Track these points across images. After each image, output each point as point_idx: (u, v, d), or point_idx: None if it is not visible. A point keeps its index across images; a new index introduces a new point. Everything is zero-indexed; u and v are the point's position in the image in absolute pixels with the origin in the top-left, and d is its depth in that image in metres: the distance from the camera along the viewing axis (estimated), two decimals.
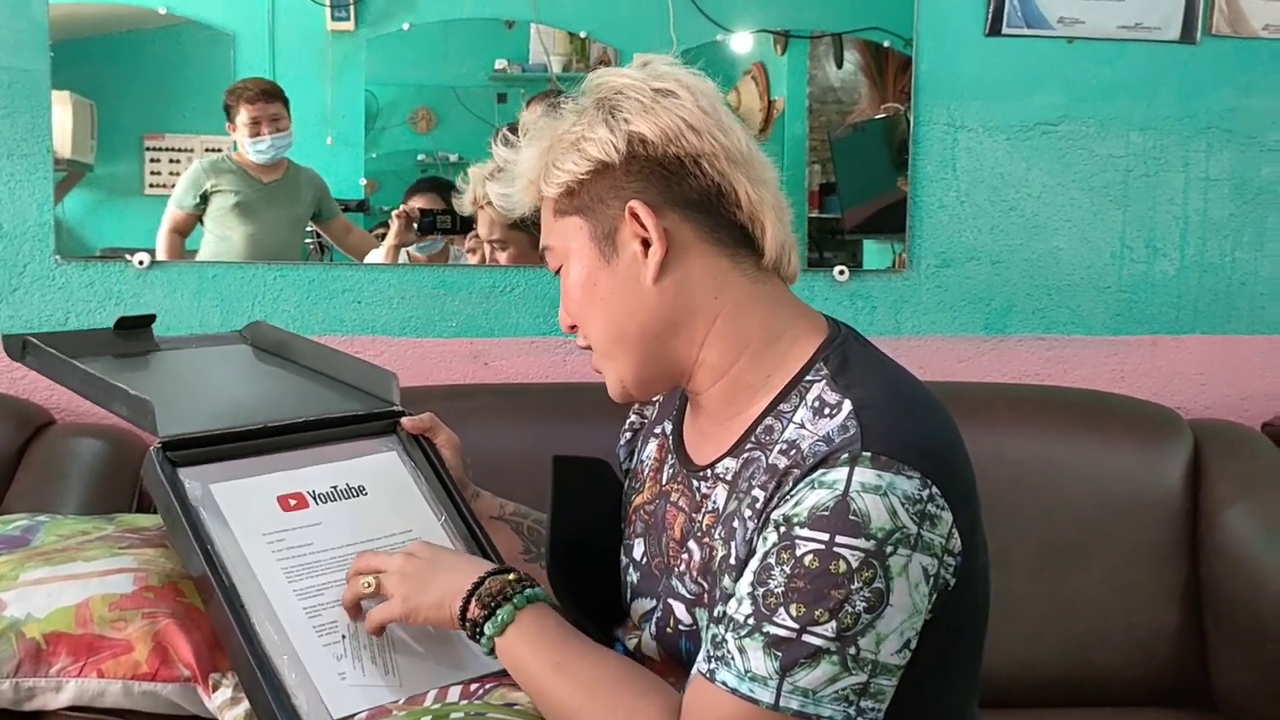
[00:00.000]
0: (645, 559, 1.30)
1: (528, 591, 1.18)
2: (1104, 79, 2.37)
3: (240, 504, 1.29)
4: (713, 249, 1.18)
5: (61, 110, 2.17)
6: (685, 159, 1.16)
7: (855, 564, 1.03)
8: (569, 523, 1.32)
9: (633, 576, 1.31)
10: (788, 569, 1.05)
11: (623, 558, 1.35)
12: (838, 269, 2.35)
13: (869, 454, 1.06)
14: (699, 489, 1.24)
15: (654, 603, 1.26)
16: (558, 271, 1.25)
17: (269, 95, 2.24)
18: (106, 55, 2.23)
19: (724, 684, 1.06)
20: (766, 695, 1.04)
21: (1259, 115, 2.39)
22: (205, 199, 2.27)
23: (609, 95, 1.18)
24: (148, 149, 2.26)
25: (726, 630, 1.08)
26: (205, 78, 2.26)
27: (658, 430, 1.36)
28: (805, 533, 1.05)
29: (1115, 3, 2.34)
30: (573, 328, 1.26)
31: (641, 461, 1.38)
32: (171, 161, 2.26)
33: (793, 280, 1.24)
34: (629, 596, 1.31)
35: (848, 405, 1.10)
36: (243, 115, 2.24)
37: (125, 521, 1.53)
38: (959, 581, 1.10)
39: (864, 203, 2.44)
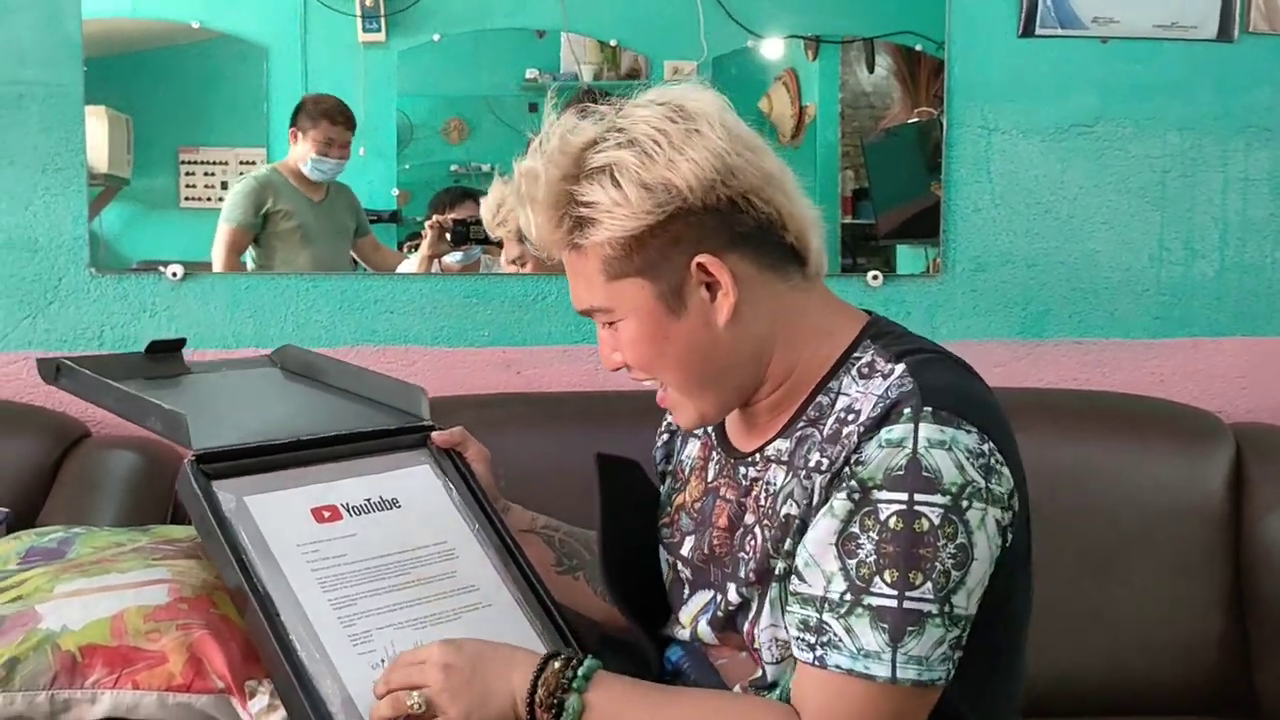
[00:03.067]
0: (693, 553, 1.30)
1: (582, 670, 1.16)
2: (1139, 79, 2.34)
3: (275, 516, 1.30)
4: (770, 276, 1.19)
5: (98, 125, 2.19)
6: (736, 197, 1.15)
7: (937, 520, 1.06)
8: (618, 519, 1.33)
9: (685, 572, 1.32)
10: (874, 535, 1.07)
11: (666, 556, 1.35)
12: (871, 274, 2.34)
13: (929, 409, 1.08)
14: (746, 474, 1.24)
15: (711, 593, 1.27)
16: (605, 323, 1.22)
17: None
18: (142, 70, 2.25)
19: (837, 667, 1.07)
20: (883, 670, 1.06)
21: None
22: (266, 218, 2.28)
23: (644, 147, 1.14)
24: (183, 162, 2.27)
25: (823, 612, 1.09)
26: (239, 91, 2.29)
27: (698, 431, 1.36)
28: (884, 495, 1.07)
29: (1150, 1, 2.32)
30: (619, 367, 1.24)
31: (682, 461, 1.39)
32: (206, 175, 2.28)
33: (824, 274, 1.25)
34: (685, 592, 1.31)
35: (900, 366, 1.13)
36: (316, 132, 2.25)
37: (159, 533, 1.54)
38: (1014, 542, 1.13)
39: (897, 208, 2.43)
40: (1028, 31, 2.32)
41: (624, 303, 1.18)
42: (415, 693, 1.16)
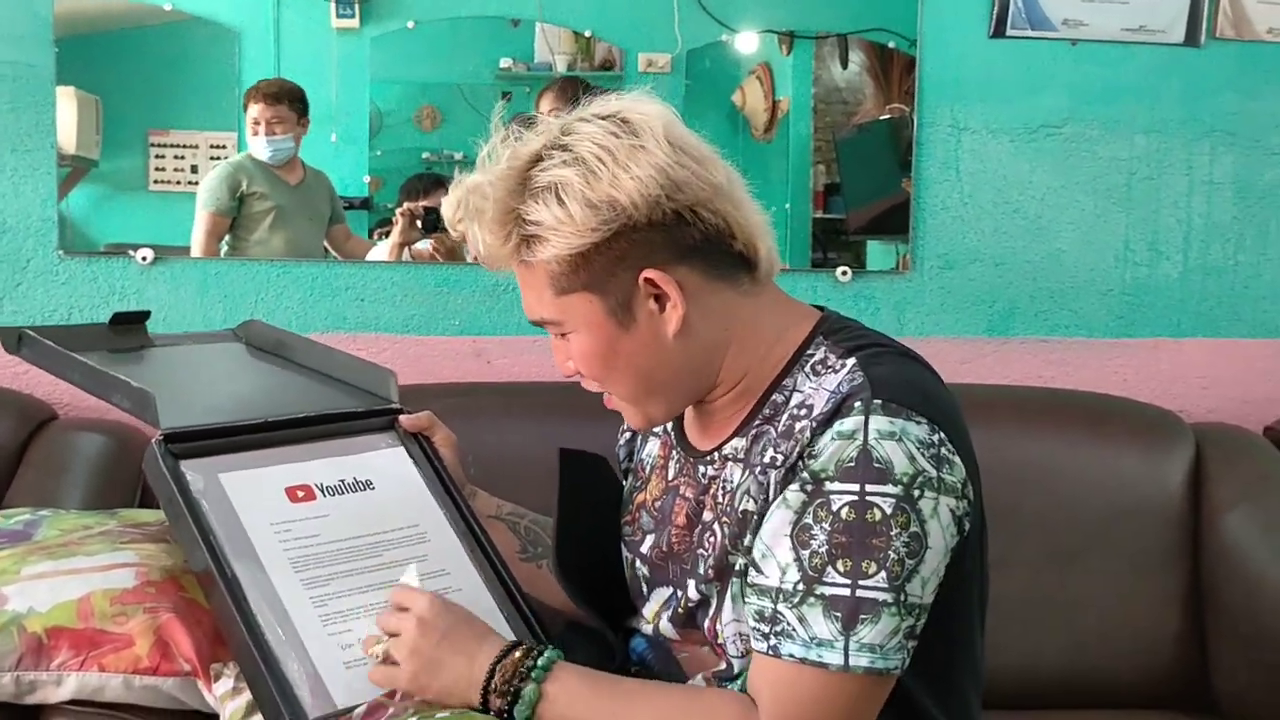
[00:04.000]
0: (653, 551, 1.31)
1: (541, 660, 1.17)
2: (1108, 81, 2.37)
3: (248, 493, 1.29)
4: (719, 284, 1.19)
5: (67, 106, 2.17)
6: (683, 210, 1.15)
7: (889, 510, 1.07)
8: (575, 514, 1.33)
9: (643, 570, 1.32)
10: (826, 525, 1.08)
11: (626, 554, 1.36)
12: (840, 270, 2.35)
13: (879, 401, 1.09)
14: (704, 473, 1.25)
15: (670, 589, 1.28)
16: (558, 334, 1.22)
17: (273, 97, 2.24)
18: (112, 51, 2.24)
19: (790, 656, 1.08)
20: (835, 658, 1.07)
21: (1262, 118, 2.39)
22: (242, 201, 2.27)
23: (588, 165, 1.14)
24: (152, 145, 2.26)
25: (777, 603, 1.09)
26: (210, 74, 2.27)
27: (658, 430, 1.37)
28: (836, 486, 1.08)
29: (1119, 5, 2.34)
30: (575, 374, 1.25)
31: (643, 460, 1.39)
32: (176, 158, 2.26)
33: (775, 274, 1.25)
34: (645, 589, 1.32)
35: (851, 361, 1.15)
36: (250, 113, 2.24)
37: (127, 517, 1.54)
38: (970, 531, 1.14)
39: (869, 203, 2.44)
40: (999, 32, 2.33)
41: (573, 316, 1.19)
42: (381, 642, 1.19)
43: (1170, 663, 2.02)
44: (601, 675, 1.20)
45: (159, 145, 2.26)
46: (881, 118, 2.40)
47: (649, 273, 1.15)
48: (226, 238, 2.28)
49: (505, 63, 2.34)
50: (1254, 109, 2.39)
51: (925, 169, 2.35)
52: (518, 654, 1.17)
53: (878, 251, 2.44)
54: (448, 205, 1.22)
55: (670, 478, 1.31)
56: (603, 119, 1.16)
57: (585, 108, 1.19)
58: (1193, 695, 2.02)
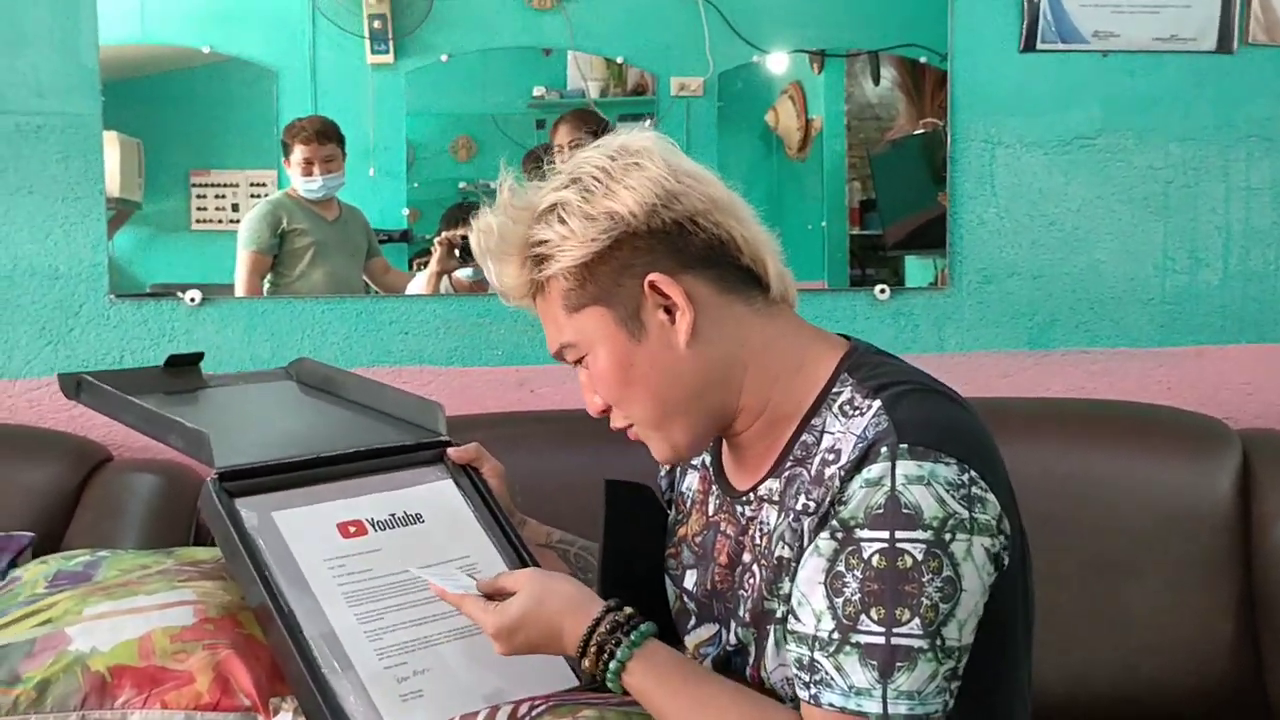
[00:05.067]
0: (697, 588, 1.32)
1: (633, 635, 1.18)
2: (1141, 91, 2.36)
3: (301, 531, 1.32)
4: (729, 298, 1.21)
5: (110, 149, 2.21)
6: (682, 220, 1.18)
7: (920, 556, 1.06)
8: (621, 545, 1.34)
9: (689, 605, 1.33)
10: (859, 573, 1.08)
11: (671, 588, 1.37)
12: (879, 288, 2.35)
13: (905, 445, 1.09)
14: (743, 513, 1.26)
15: (716, 627, 1.28)
16: (577, 362, 1.24)
17: (323, 136, 2.28)
18: (152, 94, 2.28)
19: (831, 705, 1.08)
20: (874, 706, 1.06)
21: None
22: (282, 238, 2.30)
23: (585, 184, 1.19)
24: (194, 185, 2.30)
25: (814, 651, 1.10)
26: (249, 114, 2.31)
27: (696, 462, 1.38)
28: (866, 534, 1.08)
29: (1150, 15, 2.33)
30: (603, 411, 1.26)
31: (683, 493, 1.40)
32: (217, 197, 2.30)
33: (794, 304, 1.27)
34: (690, 624, 1.33)
35: (876, 403, 1.14)
36: (296, 154, 2.28)
37: (183, 555, 1.56)
38: (1010, 565, 1.13)
39: (905, 218, 2.45)
40: (1029, 46, 2.34)
41: (588, 333, 1.21)
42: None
43: (1224, 673, 2.01)
44: (686, 660, 1.22)
45: (200, 185, 2.30)
46: (915, 133, 2.41)
47: (653, 277, 1.17)
48: (269, 275, 2.31)
49: (538, 91, 2.36)
50: None
51: (960, 184, 2.36)
52: (620, 616, 1.19)
53: (915, 267, 2.44)
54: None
55: (710, 513, 1.32)
56: (601, 148, 1.21)
57: (592, 146, 1.23)
58: (1247, 705, 2.01)
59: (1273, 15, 2.35)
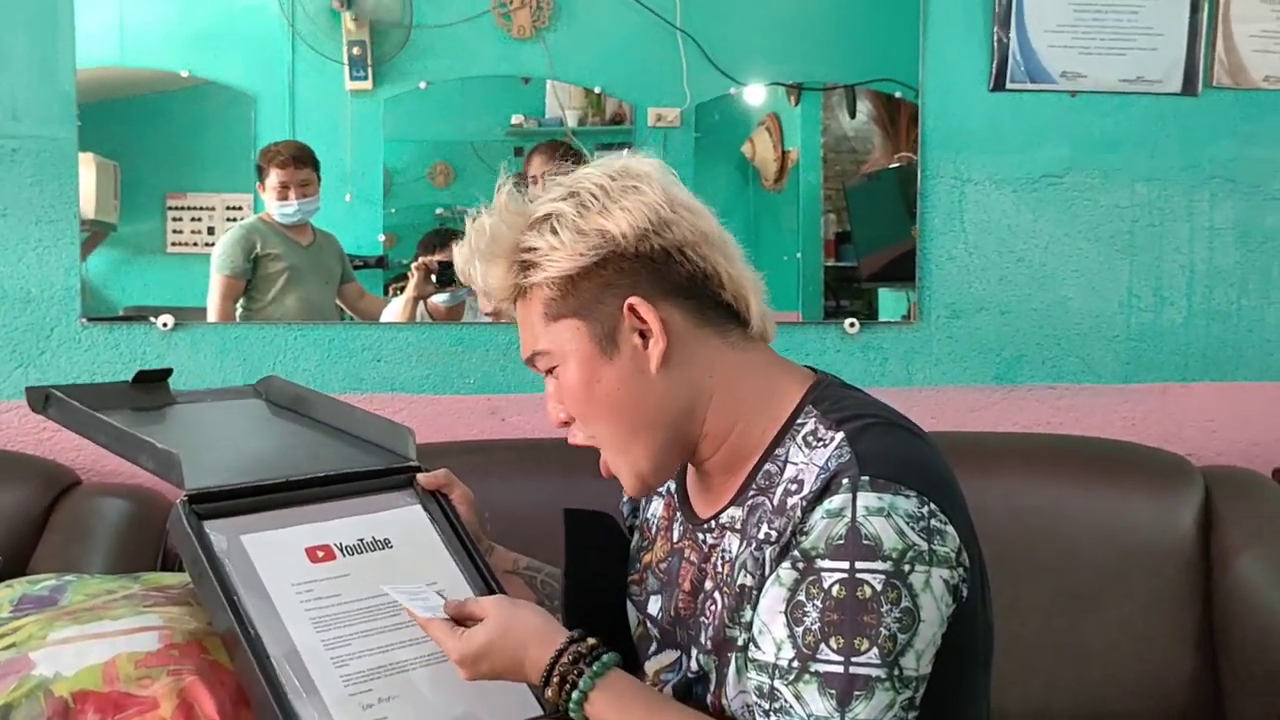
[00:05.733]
0: (662, 614, 1.32)
1: (595, 666, 1.18)
2: (1107, 131, 2.40)
3: (270, 555, 1.31)
4: (704, 331, 1.22)
5: (86, 171, 2.21)
6: (670, 249, 1.20)
7: (879, 587, 1.07)
8: (583, 573, 1.35)
9: (653, 630, 1.34)
10: (819, 603, 1.09)
11: (634, 614, 1.37)
12: (848, 321, 2.37)
13: (866, 477, 1.10)
14: (705, 541, 1.27)
15: (678, 653, 1.29)
16: (548, 372, 1.26)
17: (298, 160, 2.29)
18: (130, 117, 2.28)
19: None
20: None
21: (1261, 165, 2.43)
22: (256, 263, 2.31)
23: (582, 199, 1.20)
24: (170, 208, 2.30)
25: (774, 679, 1.11)
26: (226, 138, 2.31)
27: (661, 489, 1.39)
28: (827, 564, 1.09)
29: (1117, 57, 2.37)
30: (564, 423, 1.27)
31: (648, 519, 1.41)
32: (193, 220, 2.30)
33: (771, 340, 1.28)
34: (651, 649, 1.33)
35: (839, 435, 1.15)
36: (272, 179, 2.28)
37: (150, 580, 1.55)
38: (969, 596, 1.14)
39: (879, 250, 2.46)
40: (998, 85, 2.37)
41: (562, 344, 1.22)
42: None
43: (1184, 705, 2.03)
44: (649, 690, 1.22)
45: (176, 208, 2.30)
46: (890, 166, 2.43)
47: (633, 300, 1.19)
48: (241, 300, 2.31)
49: (516, 119, 2.37)
50: (1253, 155, 2.42)
51: (930, 220, 2.39)
52: (583, 647, 1.19)
53: (889, 299, 2.46)
54: (459, 247, 1.27)
55: (675, 540, 1.33)
56: (603, 167, 1.23)
57: (596, 163, 1.25)
58: None
59: (1236, 59, 2.39)
